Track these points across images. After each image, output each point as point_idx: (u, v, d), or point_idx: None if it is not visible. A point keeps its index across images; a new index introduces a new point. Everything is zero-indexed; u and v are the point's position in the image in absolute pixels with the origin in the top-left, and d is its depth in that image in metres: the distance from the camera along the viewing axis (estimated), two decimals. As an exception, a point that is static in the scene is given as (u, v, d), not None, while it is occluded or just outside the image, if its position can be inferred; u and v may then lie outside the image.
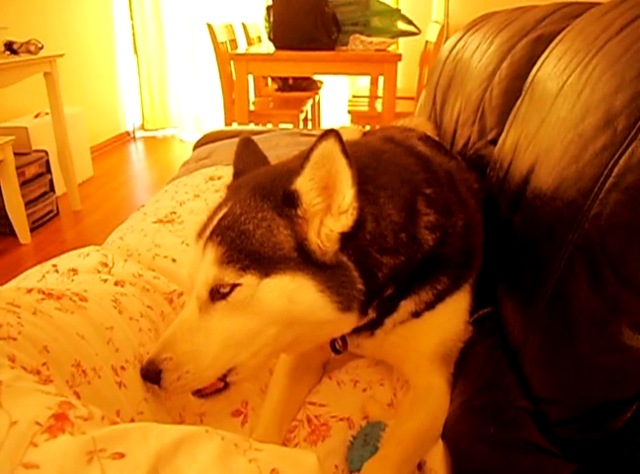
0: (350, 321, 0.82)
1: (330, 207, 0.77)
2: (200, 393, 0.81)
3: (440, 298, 0.91)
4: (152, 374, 0.76)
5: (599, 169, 0.68)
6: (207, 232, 0.79)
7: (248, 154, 1.01)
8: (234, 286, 0.74)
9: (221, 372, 0.79)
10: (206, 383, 0.79)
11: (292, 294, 0.75)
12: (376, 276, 0.80)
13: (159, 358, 0.76)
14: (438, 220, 0.88)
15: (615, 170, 0.65)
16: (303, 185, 0.76)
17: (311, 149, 0.74)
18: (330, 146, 0.73)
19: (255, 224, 0.76)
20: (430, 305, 0.91)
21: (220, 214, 0.81)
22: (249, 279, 0.74)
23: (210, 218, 0.83)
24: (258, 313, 0.75)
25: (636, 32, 0.78)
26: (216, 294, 0.76)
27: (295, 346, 0.85)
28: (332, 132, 0.72)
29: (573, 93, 0.83)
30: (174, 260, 1.15)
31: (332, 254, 0.77)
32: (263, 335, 0.77)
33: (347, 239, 0.77)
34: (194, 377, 0.76)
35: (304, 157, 0.75)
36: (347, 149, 0.73)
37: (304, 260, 0.76)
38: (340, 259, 0.77)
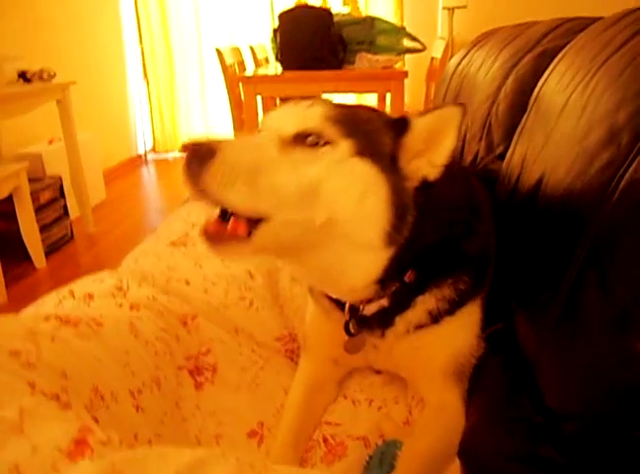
0: (375, 262, 0.81)
1: (426, 155, 0.81)
2: (215, 236, 0.72)
3: (459, 301, 0.90)
4: (205, 149, 0.67)
5: (604, 183, 0.68)
6: (303, 101, 0.80)
7: None
8: (326, 143, 0.75)
9: (258, 208, 0.71)
10: (243, 207, 0.70)
11: (369, 186, 0.76)
12: (417, 239, 0.82)
13: (218, 143, 0.69)
14: (471, 219, 0.94)
15: (621, 184, 0.66)
16: (418, 124, 0.81)
17: (439, 106, 0.82)
18: (455, 112, 0.79)
19: (366, 117, 0.82)
20: (451, 306, 0.90)
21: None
22: (346, 146, 0.76)
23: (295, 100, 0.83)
24: (326, 183, 0.74)
25: (636, 48, 0.79)
26: (302, 140, 0.75)
27: (313, 266, 0.82)
28: (462, 106, 0.80)
29: (577, 109, 0.84)
30: (187, 282, 1.16)
31: (409, 188, 0.80)
32: (312, 208, 0.74)
33: (421, 189, 0.81)
34: (239, 188, 0.68)
35: (426, 110, 0.82)
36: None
37: (391, 171, 0.79)
38: (409, 197, 0.80)
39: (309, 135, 0.75)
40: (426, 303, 0.89)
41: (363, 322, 0.91)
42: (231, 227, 0.71)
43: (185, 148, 0.68)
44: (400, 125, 0.82)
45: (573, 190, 0.77)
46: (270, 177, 0.71)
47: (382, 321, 0.91)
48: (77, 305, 0.99)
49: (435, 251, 0.87)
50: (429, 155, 0.81)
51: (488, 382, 0.90)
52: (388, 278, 0.84)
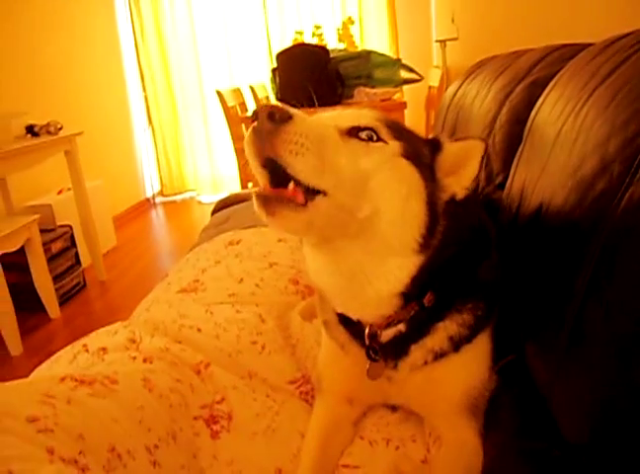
0: (404, 269, 0.83)
1: (454, 175, 0.87)
2: (272, 199, 0.72)
3: (477, 327, 0.91)
4: (281, 114, 0.69)
5: (600, 213, 0.70)
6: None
7: None
8: (379, 140, 0.80)
9: (320, 183, 0.73)
10: (308, 177, 0.71)
11: (412, 187, 0.81)
12: (443, 253, 0.85)
13: (293, 111, 0.71)
14: (485, 244, 0.97)
15: (616, 214, 0.67)
16: (449, 148, 0.88)
17: (466, 138, 0.90)
18: (479, 145, 0.87)
19: (409, 130, 0.89)
20: (471, 333, 0.90)
21: None
22: (396, 146, 0.81)
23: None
24: (374, 179, 0.78)
25: (622, 77, 0.81)
26: (356, 134, 0.79)
27: (351, 260, 0.82)
28: (484, 141, 0.89)
29: (569, 140, 0.86)
30: (199, 329, 1.17)
31: (442, 199, 0.86)
32: (361, 197, 0.77)
33: (450, 206, 0.86)
34: (309, 158, 0.70)
35: (456, 138, 0.90)
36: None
37: (430, 179, 0.84)
38: (441, 208, 0.85)
39: (364, 130, 0.80)
40: (447, 329, 0.89)
41: (378, 352, 0.91)
42: (290, 192, 0.72)
43: (260, 111, 0.70)
44: (434, 144, 0.89)
45: (571, 220, 0.78)
46: (333, 157, 0.75)
47: (398, 349, 0.91)
48: (91, 360, 1.00)
49: (454, 272, 0.89)
50: (456, 177, 0.87)
51: (503, 416, 0.89)
52: (413, 292, 0.85)
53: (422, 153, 0.86)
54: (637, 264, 0.63)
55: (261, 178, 0.76)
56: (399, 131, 0.85)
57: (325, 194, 0.73)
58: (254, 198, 0.73)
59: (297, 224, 0.75)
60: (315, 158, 0.71)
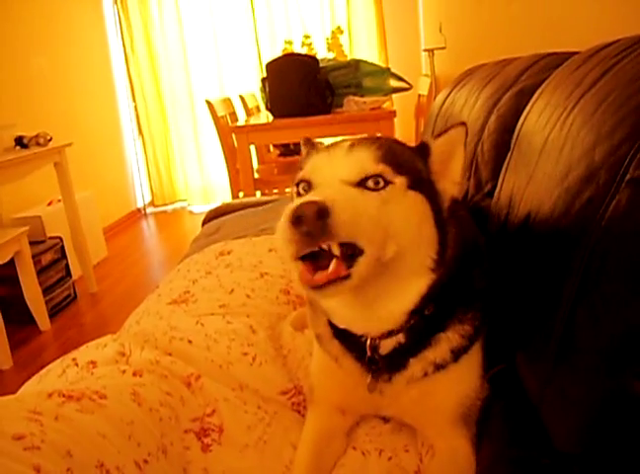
0: (423, 286, 0.84)
1: (445, 174, 0.88)
2: (322, 285, 0.73)
3: (475, 338, 0.91)
4: (322, 209, 0.69)
5: (587, 222, 0.70)
6: (346, 142, 0.84)
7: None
8: (387, 184, 0.79)
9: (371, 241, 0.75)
10: (372, 246, 0.74)
11: (423, 215, 0.83)
12: (450, 265, 0.86)
13: (322, 197, 0.71)
14: (479, 253, 0.99)
15: (602, 222, 0.67)
16: (436, 147, 0.88)
17: (445, 131, 0.89)
18: (460, 132, 0.87)
19: (400, 149, 0.87)
20: (470, 343, 0.90)
21: (349, 142, 0.85)
22: (402, 182, 0.81)
23: (336, 142, 0.88)
24: (392, 219, 0.78)
25: (607, 86, 0.81)
26: (363, 185, 0.79)
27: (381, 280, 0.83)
28: (464, 125, 0.88)
29: (555, 149, 0.86)
30: (190, 341, 1.16)
31: (445, 209, 0.87)
32: (386, 244, 0.78)
33: (451, 210, 0.88)
34: (355, 221, 0.72)
35: (437, 134, 0.89)
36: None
37: (434, 195, 0.85)
38: (445, 219, 0.86)
39: (369, 178, 0.79)
40: (450, 340, 0.89)
41: (379, 363, 0.91)
42: (333, 270, 0.73)
43: (305, 215, 0.70)
44: (423, 150, 0.89)
45: (558, 228, 0.78)
46: (367, 221, 0.75)
47: (395, 362, 0.90)
48: (81, 374, 0.99)
49: (456, 283, 0.89)
50: (447, 174, 0.88)
51: (494, 425, 0.89)
52: (422, 307, 0.86)
53: (420, 171, 0.86)
54: (625, 271, 0.63)
55: (296, 268, 0.76)
56: (398, 160, 0.83)
57: (361, 252, 0.75)
58: (306, 289, 0.75)
59: (347, 291, 0.79)
60: (361, 232, 0.74)
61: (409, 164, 0.85)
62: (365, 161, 0.81)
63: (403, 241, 0.80)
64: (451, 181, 0.88)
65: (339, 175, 0.80)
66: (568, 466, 0.72)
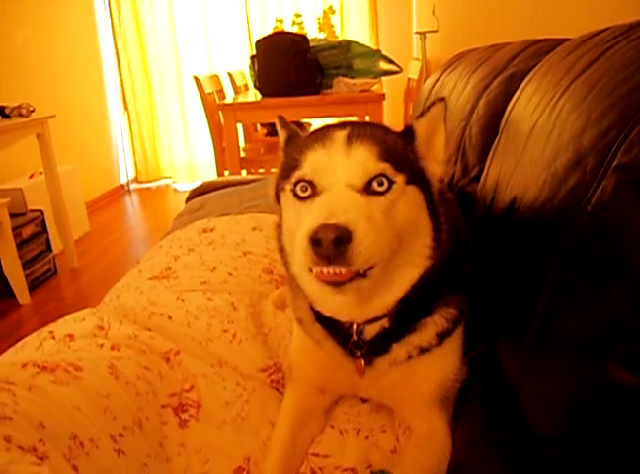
0: (414, 275, 0.85)
1: (430, 155, 0.89)
2: (342, 283, 0.74)
3: (459, 321, 0.93)
4: (344, 232, 0.69)
5: (572, 208, 0.70)
6: (341, 136, 0.81)
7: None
8: (391, 185, 0.79)
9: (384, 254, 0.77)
10: (379, 257, 0.75)
11: (420, 207, 0.84)
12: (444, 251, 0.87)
13: (343, 218, 0.70)
14: (465, 236, 1.00)
15: (588, 208, 0.67)
16: (420, 128, 0.88)
17: (427, 108, 0.88)
18: (440, 108, 0.87)
19: (392, 140, 0.85)
20: (455, 326, 0.92)
21: (342, 132, 0.83)
22: (401, 179, 0.81)
23: (322, 138, 0.83)
24: (397, 219, 0.79)
25: (598, 72, 0.81)
26: (371, 189, 0.78)
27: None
28: (444, 100, 0.87)
29: (543, 134, 0.86)
30: (170, 317, 1.15)
31: (435, 192, 0.87)
32: (392, 246, 0.79)
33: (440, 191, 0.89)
34: (375, 242, 0.72)
35: (419, 114, 0.88)
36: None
37: (425, 183, 0.85)
38: (436, 202, 0.87)
39: (374, 179, 0.79)
40: (436, 324, 0.91)
41: (363, 347, 0.92)
42: (348, 270, 0.74)
43: (324, 240, 0.69)
44: (408, 134, 0.88)
45: (543, 214, 0.78)
46: (383, 236, 0.76)
47: (378, 346, 0.91)
48: (57, 347, 0.98)
49: (443, 266, 0.89)
50: (432, 154, 0.89)
51: (472, 408, 0.90)
52: (413, 295, 0.87)
53: (411, 160, 0.85)
54: (608, 258, 0.63)
55: (309, 275, 0.77)
56: (394, 154, 0.82)
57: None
58: (324, 286, 0.75)
59: (363, 288, 0.79)
60: (379, 255, 0.75)
61: (404, 157, 0.84)
62: (368, 161, 0.79)
63: (406, 233, 0.82)
64: (436, 160, 0.89)
65: (344, 178, 0.78)
66: (544, 449, 0.72)
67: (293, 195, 0.83)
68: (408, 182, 0.82)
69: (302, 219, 0.78)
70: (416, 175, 0.84)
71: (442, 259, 0.87)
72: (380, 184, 0.78)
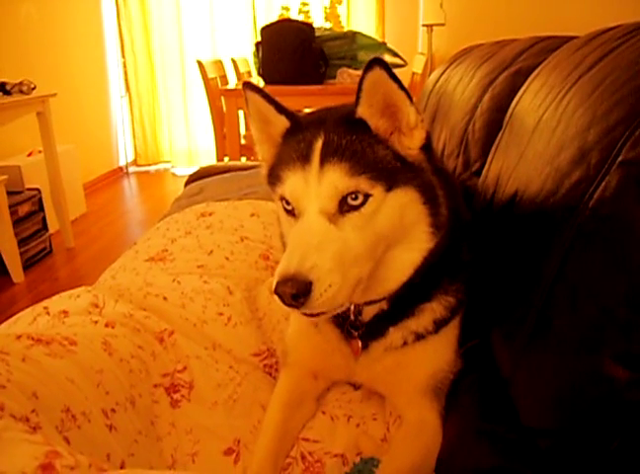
0: (415, 262, 0.86)
1: (401, 128, 0.84)
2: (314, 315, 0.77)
3: (458, 309, 0.93)
4: (302, 287, 0.71)
5: (574, 202, 0.70)
6: (314, 157, 0.81)
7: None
8: (367, 197, 0.78)
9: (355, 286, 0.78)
10: (346, 297, 0.76)
11: (405, 208, 0.82)
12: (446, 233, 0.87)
13: (304, 268, 0.72)
14: (467, 224, 0.99)
15: (590, 203, 0.67)
16: (365, 112, 0.83)
17: (361, 80, 0.80)
18: (377, 74, 0.79)
19: (359, 146, 0.82)
20: (452, 315, 0.92)
21: (318, 144, 0.82)
22: (379, 191, 0.79)
23: (302, 151, 0.83)
24: (379, 227, 0.79)
25: (606, 68, 0.81)
26: (346, 206, 0.78)
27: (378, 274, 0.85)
28: (376, 61, 0.78)
29: (548, 129, 0.86)
30: (165, 298, 1.15)
31: (420, 162, 0.84)
32: (376, 251, 0.81)
33: (426, 150, 0.86)
34: (338, 290, 0.73)
35: (355, 99, 0.82)
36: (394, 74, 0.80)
37: (407, 172, 0.83)
38: (430, 176, 0.85)
39: (352, 197, 0.78)
40: (434, 311, 0.91)
41: (359, 329, 0.93)
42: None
43: (284, 295, 0.73)
44: (360, 126, 0.83)
45: (544, 208, 0.78)
46: (351, 260, 0.77)
47: (374, 329, 0.91)
48: (52, 323, 0.98)
49: (445, 252, 0.89)
50: (403, 122, 0.83)
51: (464, 399, 0.90)
52: (415, 279, 0.87)
53: (382, 157, 0.82)
54: (608, 253, 0.63)
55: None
56: (366, 163, 0.80)
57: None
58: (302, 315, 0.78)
59: (346, 304, 0.80)
60: (344, 279, 0.75)
61: (375, 164, 0.81)
62: (339, 181, 0.78)
63: (391, 238, 0.82)
64: (408, 131, 0.84)
65: (317, 205, 0.79)
66: (534, 440, 0.73)
67: (282, 209, 0.87)
68: (389, 189, 0.80)
69: (287, 231, 0.85)
70: (397, 173, 0.82)
71: (446, 236, 0.86)
72: (355, 198, 0.78)
